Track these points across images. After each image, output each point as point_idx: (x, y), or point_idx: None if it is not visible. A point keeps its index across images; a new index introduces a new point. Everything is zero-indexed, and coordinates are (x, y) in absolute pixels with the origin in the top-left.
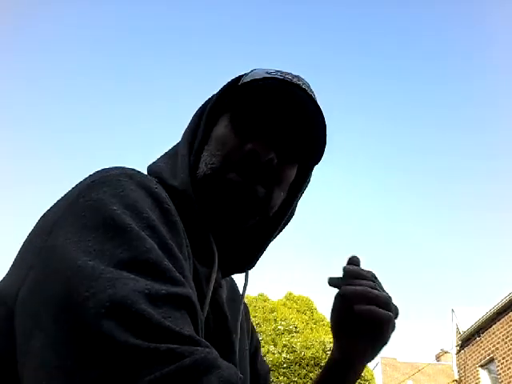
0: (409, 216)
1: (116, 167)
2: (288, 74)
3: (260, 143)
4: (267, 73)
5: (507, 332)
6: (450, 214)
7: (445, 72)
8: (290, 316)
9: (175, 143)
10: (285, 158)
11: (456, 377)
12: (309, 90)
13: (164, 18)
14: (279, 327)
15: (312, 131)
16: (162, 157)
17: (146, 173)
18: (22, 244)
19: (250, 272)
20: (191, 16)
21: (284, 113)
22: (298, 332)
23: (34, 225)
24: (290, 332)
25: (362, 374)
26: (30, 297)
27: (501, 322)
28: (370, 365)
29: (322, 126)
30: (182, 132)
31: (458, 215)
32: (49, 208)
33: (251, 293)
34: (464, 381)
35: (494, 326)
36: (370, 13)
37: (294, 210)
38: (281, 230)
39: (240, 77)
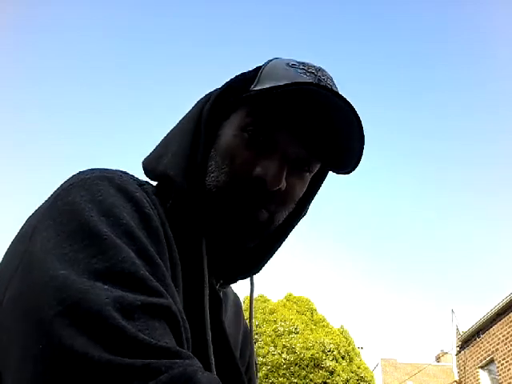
0: (408, 216)
1: (96, 169)
2: (312, 67)
3: (273, 163)
4: (288, 65)
5: (507, 333)
6: (449, 214)
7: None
8: (290, 317)
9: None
10: (301, 168)
11: (456, 378)
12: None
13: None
14: (279, 328)
15: (348, 143)
16: (160, 151)
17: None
18: (7, 248)
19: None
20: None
21: (311, 124)
22: (298, 333)
23: (19, 229)
24: (289, 333)
25: (362, 375)
26: (12, 306)
27: (501, 322)
28: (370, 365)
29: (361, 139)
30: (178, 123)
31: (457, 216)
32: (32, 212)
33: None
34: (464, 382)
35: (494, 327)
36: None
37: (306, 209)
38: (292, 229)
39: (252, 71)
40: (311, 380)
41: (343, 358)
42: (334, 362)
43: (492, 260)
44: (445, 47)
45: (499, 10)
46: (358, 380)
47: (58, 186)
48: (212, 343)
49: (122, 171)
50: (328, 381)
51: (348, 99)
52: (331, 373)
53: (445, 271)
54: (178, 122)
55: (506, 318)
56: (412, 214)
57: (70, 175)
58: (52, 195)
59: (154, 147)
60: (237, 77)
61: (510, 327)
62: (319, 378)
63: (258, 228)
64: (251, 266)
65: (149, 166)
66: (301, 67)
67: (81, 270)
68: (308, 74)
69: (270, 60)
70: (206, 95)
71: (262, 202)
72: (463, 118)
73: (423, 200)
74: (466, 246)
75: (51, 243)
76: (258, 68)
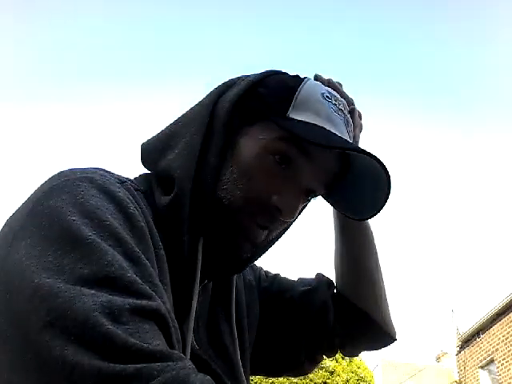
0: (407, 215)
1: (76, 169)
2: (341, 103)
3: (292, 195)
4: (322, 96)
5: (507, 333)
6: (449, 213)
7: None
8: None
9: (173, 124)
10: (308, 198)
11: (456, 378)
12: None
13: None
14: None
15: (371, 197)
16: (165, 143)
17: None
18: None
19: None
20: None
21: (338, 168)
22: None
23: None
24: None
25: (362, 375)
26: None
27: (501, 322)
28: (370, 365)
29: (382, 203)
30: (187, 114)
31: (457, 215)
32: (11, 214)
33: None
34: (464, 382)
35: (494, 327)
36: None
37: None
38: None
39: (283, 82)
40: (311, 380)
41: (343, 358)
42: (333, 362)
43: (492, 260)
44: None
45: None
46: (357, 380)
47: (38, 186)
48: (208, 343)
49: (102, 169)
50: (328, 381)
51: (386, 165)
52: (331, 373)
53: (445, 271)
54: (185, 111)
55: (506, 318)
56: (411, 212)
57: (50, 176)
58: (32, 197)
59: (158, 133)
60: (263, 79)
61: (510, 327)
62: (319, 378)
63: (254, 246)
64: (235, 268)
65: (149, 156)
66: (333, 102)
67: (66, 276)
68: (339, 114)
69: (304, 79)
70: (221, 86)
71: (269, 226)
72: None
73: (421, 198)
74: (466, 246)
75: (35, 251)
76: (291, 86)
